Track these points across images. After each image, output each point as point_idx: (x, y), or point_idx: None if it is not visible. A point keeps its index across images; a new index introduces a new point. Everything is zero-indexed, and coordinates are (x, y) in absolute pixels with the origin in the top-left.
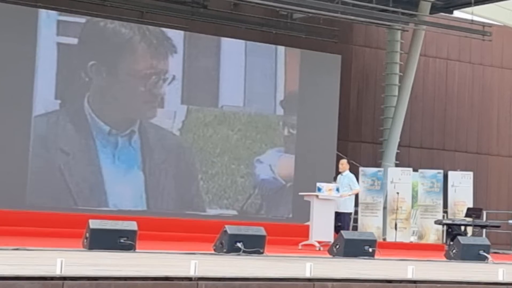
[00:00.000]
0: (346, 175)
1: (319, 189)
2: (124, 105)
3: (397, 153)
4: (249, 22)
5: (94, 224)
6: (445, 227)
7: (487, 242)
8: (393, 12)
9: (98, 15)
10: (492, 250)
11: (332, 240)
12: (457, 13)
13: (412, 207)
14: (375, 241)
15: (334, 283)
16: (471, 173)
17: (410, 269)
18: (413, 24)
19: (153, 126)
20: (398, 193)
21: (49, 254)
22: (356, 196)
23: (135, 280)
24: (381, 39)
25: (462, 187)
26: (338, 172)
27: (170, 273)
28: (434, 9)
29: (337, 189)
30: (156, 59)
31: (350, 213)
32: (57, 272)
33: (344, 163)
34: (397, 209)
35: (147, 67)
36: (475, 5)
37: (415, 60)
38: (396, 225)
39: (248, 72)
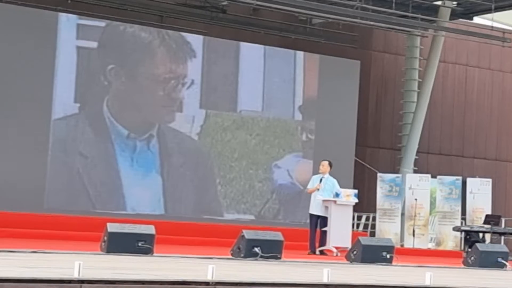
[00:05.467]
0: (328, 179)
1: (337, 195)
2: (142, 109)
3: (415, 159)
4: (268, 27)
5: (112, 227)
6: (463, 233)
7: (506, 249)
8: (413, 18)
9: (118, 19)
10: (510, 258)
11: (349, 246)
12: (477, 19)
13: (430, 213)
14: (392, 247)
15: None
16: (489, 180)
17: (428, 276)
18: (433, 30)
19: (171, 130)
20: (416, 199)
21: (67, 257)
22: (374, 201)
23: (152, 284)
24: (400, 45)
25: (480, 194)
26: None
27: (187, 277)
28: (454, 15)
29: (355, 195)
30: (175, 63)
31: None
32: (75, 275)
33: (325, 165)
34: (415, 215)
35: (166, 71)
36: (495, 11)
37: (434, 66)
38: (414, 231)
39: (267, 77)
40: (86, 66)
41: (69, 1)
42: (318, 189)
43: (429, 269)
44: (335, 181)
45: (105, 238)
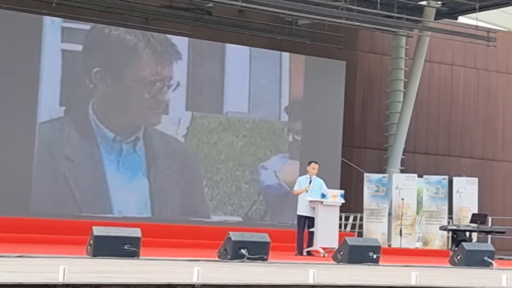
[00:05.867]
0: (316, 180)
1: (324, 195)
2: (128, 112)
3: (402, 159)
4: (253, 29)
5: (98, 231)
6: (450, 233)
7: (492, 248)
8: (398, 18)
9: (103, 22)
10: (497, 256)
11: (336, 247)
12: (461, 19)
13: (417, 213)
14: (379, 247)
15: None
16: (476, 179)
17: (414, 276)
18: (418, 30)
19: (157, 133)
20: (403, 199)
21: (52, 261)
22: (361, 201)
23: (138, 287)
24: (386, 45)
25: (467, 193)
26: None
27: (173, 280)
28: (438, 15)
29: (342, 195)
30: (161, 66)
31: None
32: (60, 280)
33: (316, 168)
34: (402, 215)
35: (151, 74)
36: (479, 11)
37: (420, 66)
38: (401, 231)
39: (253, 78)
40: (71, 69)
41: (54, 4)
42: (307, 191)
43: (415, 268)
44: (322, 181)
45: (91, 241)
